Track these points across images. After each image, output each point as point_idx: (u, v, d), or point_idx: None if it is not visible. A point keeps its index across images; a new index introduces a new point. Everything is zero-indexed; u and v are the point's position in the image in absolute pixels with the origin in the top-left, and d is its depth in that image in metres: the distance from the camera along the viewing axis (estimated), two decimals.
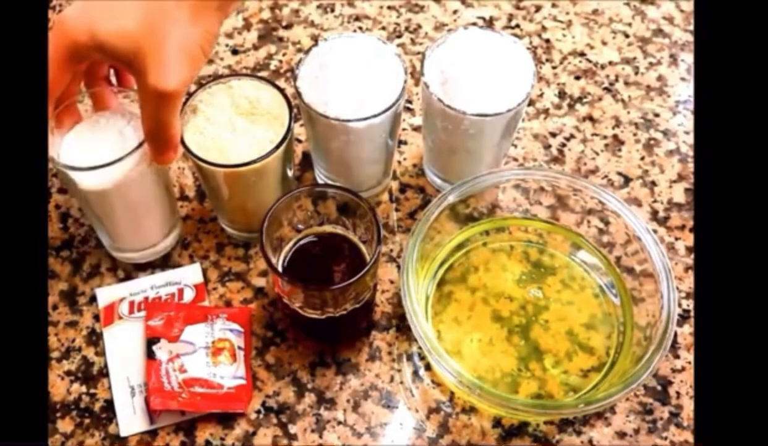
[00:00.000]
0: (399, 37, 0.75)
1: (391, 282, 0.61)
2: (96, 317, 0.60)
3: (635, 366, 0.51)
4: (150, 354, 0.55)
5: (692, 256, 0.63)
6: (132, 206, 0.56)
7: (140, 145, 0.52)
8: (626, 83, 0.72)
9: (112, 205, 0.56)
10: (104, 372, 0.57)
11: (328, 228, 0.56)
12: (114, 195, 0.54)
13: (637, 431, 0.55)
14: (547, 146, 0.68)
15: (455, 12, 0.77)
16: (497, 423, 0.55)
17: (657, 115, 0.71)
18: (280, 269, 0.54)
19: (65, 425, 0.55)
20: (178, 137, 0.51)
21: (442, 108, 0.55)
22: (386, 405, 0.56)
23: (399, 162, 0.67)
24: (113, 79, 0.57)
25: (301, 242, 0.56)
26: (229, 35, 0.75)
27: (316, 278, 0.53)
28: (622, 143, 0.69)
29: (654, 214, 0.65)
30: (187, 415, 0.55)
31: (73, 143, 0.54)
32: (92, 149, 0.53)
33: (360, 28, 0.76)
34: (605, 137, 0.69)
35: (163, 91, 0.47)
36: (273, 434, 0.55)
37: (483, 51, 0.58)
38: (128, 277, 0.61)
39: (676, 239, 0.64)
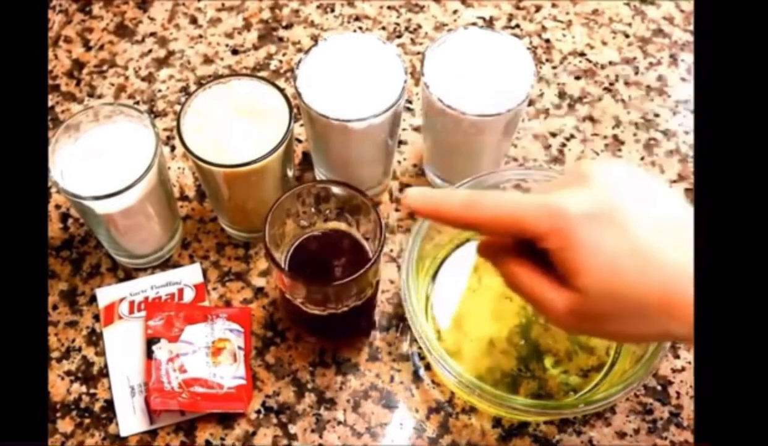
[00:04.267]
0: (399, 37, 0.75)
1: (391, 282, 0.61)
2: (96, 317, 0.60)
3: (635, 366, 0.51)
4: (150, 354, 0.55)
5: None
6: (136, 224, 0.57)
7: (148, 169, 0.53)
8: (626, 83, 0.72)
9: (116, 223, 0.56)
10: (104, 372, 0.57)
11: (331, 225, 0.56)
12: (119, 216, 0.55)
13: (637, 431, 0.55)
14: (547, 146, 0.68)
15: (455, 12, 0.77)
16: (497, 423, 0.55)
17: (657, 115, 0.71)
18: (282, 265, 0.54)
19: (65, 425, 0.55)
20: None
21: (442, 108, 0.55)
22: (386, 405, 0.56)
23: (399, 162, 0.67)
24: None
25: (304, 238, 0.55)
26: (229, 35, 0.75)
27: (318, 274, 0.53)
28: (622, 143, 0.69)
29: None
30: (187, 415, 0.55)
31: (75, 162, 0.55)
32: (95, 170, 0.54)
33: (360, 28, 0.76)
34: (605, 137, 0.69)
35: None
36: (273, 434, 0.55)
37: (483, 51, 0.58)
38: (128, 277, 0.61)
39: None
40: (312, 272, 0.53)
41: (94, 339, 0.59)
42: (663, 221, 0.37)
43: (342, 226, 0.55)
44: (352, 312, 0.53)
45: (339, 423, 0.55)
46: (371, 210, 0.51)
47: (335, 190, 0.53)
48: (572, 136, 0.69)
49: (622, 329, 0.38)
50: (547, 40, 0.75)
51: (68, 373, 0.57)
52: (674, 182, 0.67)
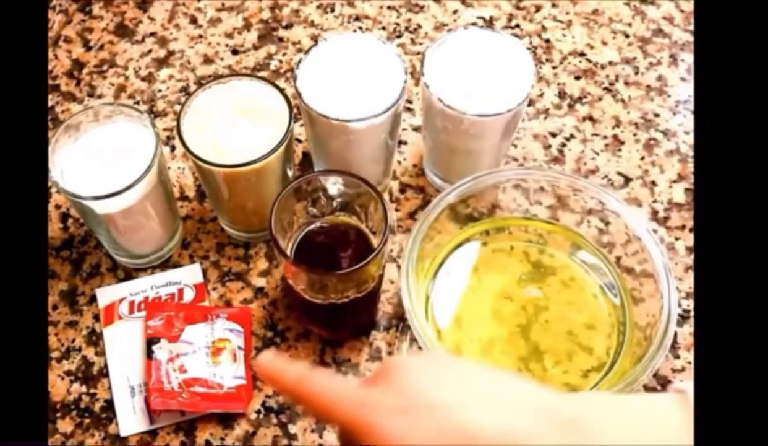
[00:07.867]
0: (399, 37, 0.75)
1: (391, 282, 0.61)
2: (96, 317, 0.60)
3: (635, 366, 0.51)
4: (150, 354, 0.55)
5: (692, 256, 0.63)
6: (136, 224, 0.57)
7: (148, 169, 0.53)
8: (626, 83, 0.72)
9: (116, 223, 0.56)
10: (104, 372, 0.57)
11: (340, 218, 0.56)
12: (119, 216, 0.55)
13: None
14: (547, 146, 0.68)
15: (455, 12, 0.77)
16: None
17: (657, 115, 0.71)
18: (288, 252, 0.54)
19: (65, 425, 0.55)
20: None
21: (442, 108, 0.55)
22: None
23: (399, 162, 0.67)
24: None
25: (312, 228, 0.56)
26: (229, 35, 0.75)
27: (321, 263, 0.53)
28: (622, 143, 0.69)
29: (654, 214, 0.65)
30: (187, 415, 0.55)
31: (75, 162, 0.55)
32: (95, 170, 0.54)
33: (360, 28, 0.76)
34: (605, 137, 0.69)
35: None
36: (273, 434, 0.55)
37: (483, 51, 0.58)
38: (128, 277, 0.61)
39: (676, 239, 0.64)
40: (316, 262, 0.52)
41: (94, 339, 0.59)
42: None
43: (351, 220, 0.56)
44: (354, 304, 0.53)
45: None
46: (378, 201, 0.51)
47: (341, 180, 0.53)
48: (572, 136, 0.69)
49: None
50: (547, 40, 0.75)
51: (68, 373, 0.57)
52: (674, 182, 0.67)
